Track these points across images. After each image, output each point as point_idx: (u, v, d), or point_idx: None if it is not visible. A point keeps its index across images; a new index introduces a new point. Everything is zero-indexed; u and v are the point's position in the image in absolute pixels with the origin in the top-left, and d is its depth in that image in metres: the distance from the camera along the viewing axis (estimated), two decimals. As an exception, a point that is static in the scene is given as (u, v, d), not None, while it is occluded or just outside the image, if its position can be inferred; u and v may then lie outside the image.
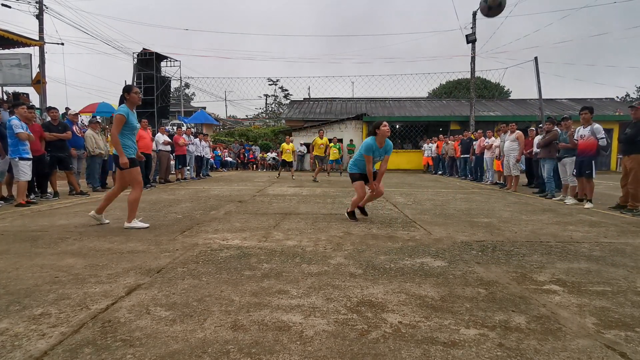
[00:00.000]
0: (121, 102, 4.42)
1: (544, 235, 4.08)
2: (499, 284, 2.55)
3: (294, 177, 13.13)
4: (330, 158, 14.57)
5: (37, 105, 13.76)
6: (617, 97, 32.68)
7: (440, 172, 15.88)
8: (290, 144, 13.00)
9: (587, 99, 23.63)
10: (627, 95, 40.80)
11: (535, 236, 4.04)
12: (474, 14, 17.01)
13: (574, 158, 6.64)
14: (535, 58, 17.25)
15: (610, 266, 2.99)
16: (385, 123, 4.77)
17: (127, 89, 4.44)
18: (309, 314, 2.04)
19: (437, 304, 2.19)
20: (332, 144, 14.59)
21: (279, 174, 13.69)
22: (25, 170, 5.93)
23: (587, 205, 6.27)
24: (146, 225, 4.37)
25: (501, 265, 2.98)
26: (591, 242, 3.78)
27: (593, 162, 6.26)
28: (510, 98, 30.44)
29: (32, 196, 6.54)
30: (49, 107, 7.54)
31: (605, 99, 24.60)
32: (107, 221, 4.61)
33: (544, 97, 18.13)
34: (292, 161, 13.22)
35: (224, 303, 2.18)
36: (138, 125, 4.77)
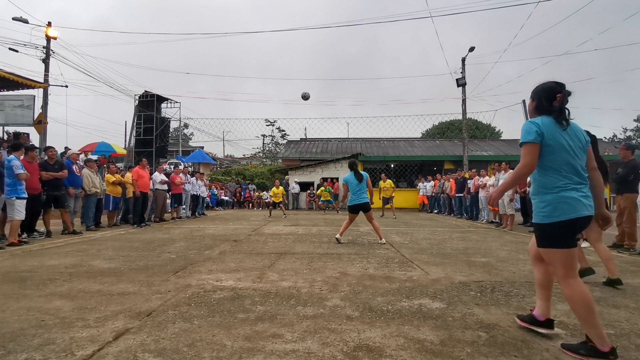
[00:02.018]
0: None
1: (542, 276, 4.02)
2: (499, 326, 2.49)
3: (285, 216, 13.60)
4: (322, 198, 16.79)
5: (37, 144, 13.91)
6: (605, 137, 33.61)
7: (436, 211, 15.89)
8: (280, 187, 14.37)
9: (577, 139, 24.23)
10: (615, 136, 41.99)
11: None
12: (463, 59, 17.87)
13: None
14: (523, 101, 17.97)
15: (612, 307, 2.93)
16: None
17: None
18: (304, 360, 1.96)
19: (437, 349, 2.12)
20: (323, 188, 16.92)
21: (270, 214, 14.37)
22: (20, 210, 5.91)
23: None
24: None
25: (501, 307, 2.92)
26: (591, 283, 3.73)
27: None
28: (501, 138, 31.20)
29: (24, 235, 6.44)
30: (49, 146, 7.63)
31: (594, 139, 25.23)
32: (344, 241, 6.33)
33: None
34: (281, 201, 14.44)
35: (216, 348, 2.09)
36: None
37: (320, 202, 17.31)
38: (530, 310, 2.44)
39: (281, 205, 14.47)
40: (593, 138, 3.41)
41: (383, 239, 6.40)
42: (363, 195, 6.49)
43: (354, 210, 6.50)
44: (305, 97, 14.26)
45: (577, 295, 2.02)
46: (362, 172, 6.56)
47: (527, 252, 5.56)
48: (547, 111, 2.14)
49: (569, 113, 2.13)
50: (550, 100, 2.12)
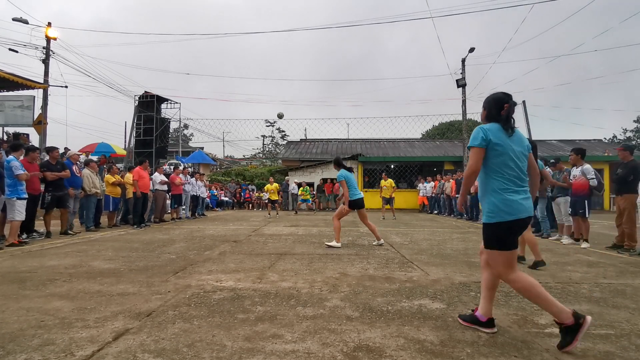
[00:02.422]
0: None
1: (542, 276, 4.02)
2: (499, 327, 2.48)
3: (278, 215, 14.10)
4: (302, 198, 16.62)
5: (37, 145, 13.90)
6: (605, 138, 33.62)
7: (436, 212, 15.89)
8: (274, 184, 14.51)
9: (576, 140, 24.29)
10: (614, 136, 41.99)
11: (534, 277, 3.97)
12: (463, 60, 17.89)
13: (568, 197, 6.71)
14: (524, 102, 17.94)
15: (612, 308, 2.93)
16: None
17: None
18: (304, 360, 1.96)
19: (437, 349, 2.12)
20: (302, 188, 16.77)
21: (269, 214, 14.61)
22: (21, 210, 5.92)
23: (584, 245, 6.24)
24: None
25: (501, 308, 2.91)
26: (590, 283, 3.73)
27: (586, 201, 6.32)
28: (501, 139, 31.15)
29: (24, 236, 6.44)
30: (52, 147, 7.65)
31: (594, 140, 25.30)
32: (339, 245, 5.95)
33: (534, 138, 18.63)
34: (276, 200, 14.74)
35: (216, 349, 2.09)
36: None
37: (299, 202, 16.84)
38: (473, 310, 2.52)
39: (276, 204, 14.74)
40: (533, 144, 3.83)
41: (381, 240, 6.34)
42: (359, 190, 6.40)
43: (357, 205, 6.27)
44: (280, 116, 15.43)
45: (527, 287, 2.18)
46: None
47: (527, 253, 5.56)
48: (495, 119, 2.32)
49: (514, 121, 2.31)
50: (498, 109, 2.30)
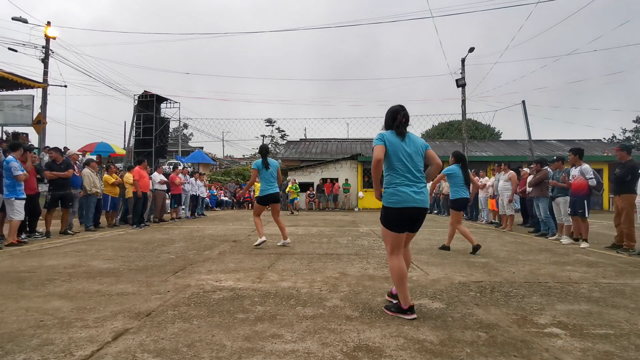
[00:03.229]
0: None
1: (542, 276, 4.03)
2: (499, 327, 2.49)
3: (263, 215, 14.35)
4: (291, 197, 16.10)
5: (36, 144, 13.88)
6: (604, 138, 33.66)
7: (435, 212, 15.89)
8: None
9: (576, 140, 24.32)
10: (614, 136, 42.02)
11: (534, 277, 3.99)
12: (463, 60, 17.89)
13: (568, 197, 6.72)
14: (523, 102, 17.92)
15: (611, 308, 2.93)
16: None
17: None
18: (303, 360, 1.96)
19: (437, 349, 2.12)
20: (290, 185, 16.13)
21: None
22: (19, 210, 5.91)
23: (583, 245, 6.25)
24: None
25: (501, 307, 2.92)
26: (590, 283, 3.73)
27: (585, 201, 6.32)
28: (501, 139, 31.22)
29: (23, 236, 6.43)
30: (55, 147, 7.67)
31: (593, 140, 25.33)
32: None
33: (533, 138, 18.63)
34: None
35: (215, 349, 2.09)
36: None
37: (288, 202, 16.33)
38: (397, 302, 2.77)
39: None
40: (461, 156, 5.47)
41: (287, 239, 5.97)
42: (274, 185, 5.86)
43: (264, 201, 5.88)
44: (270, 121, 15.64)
45: (395, 268, 2.69)
46: (271, 160, 5.91)
47: (526, 253, 5.58)
48: (390, 127, 2.79)
49: (404, 127, 2.76)
50: (392, 119, 2.76)
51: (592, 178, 6.24)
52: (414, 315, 2.62)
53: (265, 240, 5.83)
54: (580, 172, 6.35)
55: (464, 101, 18.28)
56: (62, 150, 8.01)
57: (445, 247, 5.70)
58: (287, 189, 16.14)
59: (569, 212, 6.70)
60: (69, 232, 7.44)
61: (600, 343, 2.23)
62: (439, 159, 2.92)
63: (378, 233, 6.55)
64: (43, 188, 7.57)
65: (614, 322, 2.60)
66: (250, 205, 20.16)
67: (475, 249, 5.31)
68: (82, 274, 3.91)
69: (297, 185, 16.39)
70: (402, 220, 2.68)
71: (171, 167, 16.66)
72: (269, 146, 46.93)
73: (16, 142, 6.80)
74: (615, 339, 2.29)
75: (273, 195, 5.85)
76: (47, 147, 12.92)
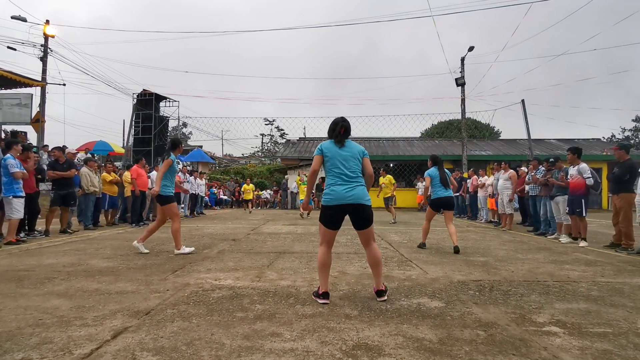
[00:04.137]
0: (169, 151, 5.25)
1: (541, 275, 4.03)
2: (498, 325, 2.49)
3: (250, 211, 15.49)
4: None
5: (35, 143, 13.86)
6: (604, 137, 33.67)
7: (435, 211, 15.89)
8: (250, 185, 15.80)
9: (575, 139, 24.34)
10: (613, 135, 42.07)
11: (532, 275, 4.00)
12: (462, 59, 17.89)
13: (566, 196, 6.73)
14: (522, 101, 17.93)
15: (610, 306, 2.94)
16: None
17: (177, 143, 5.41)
18: (302, 359, 1.96)
19: (436, 347, 2.12)
20: (298, 177, 15.16)
21: (245, 209, 16.12)
22: (18, 208, 5.89)
23: (582, 243, 6.26)
24: (192, 249, 5.25)
25: (499, 306, 2.92)
26: (588, 282, 3.74)
27: (583, 200, 6.33)
28: (500, 138, 31.23)
29: (21, 234, 6.42)
30: (58, 147, 7.68)
31: (592, 139, 25.37)
32: (146, 250, 5.17)
33: (533, 137, 18.65)
34: (250, 199, 15.97)
35: (214, 347, 2.09)
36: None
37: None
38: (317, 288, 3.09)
39: (250, 202, 15.99)
40: (437, 159, 5.94)
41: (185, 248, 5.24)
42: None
43: (165, 201, 5.32)
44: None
45: (319, 257, 3.05)
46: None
47: (525, 252, 5.59)
48: (330, 136, 3.14)
49: (343, 137, 3.10)
50: (333, 130, 3.12)
51: (589, 177, 6.25)
52: (325, 301, 2.94)
53: (188, 251, 5.14)
54: (578, 171, 6.35)
55: (463, 100, 18.29)
56: (64, 150, 7.99)
57: (421, 245, 5.90)
58: (297, 180, 14.35)
59: (567, 211, 6.71)
60: (68, 230, 7.43)
61: (598, 341, 2.24)
62: (371, 168, 3.20)
63: (377, 232, 6.57)
64: (42, 187, 7.58)
65: (613, 321, 2.60)
66: (249, 204, 20.15)
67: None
68: (81, 273, 3.90)
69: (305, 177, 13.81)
70: (333, 217, 3.01)
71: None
72: (270, 145, 46.68)
73: (13, 140, 6.78)
74: (613, 338, 2.30)
75: (166, 197, 5.30)
76: (46, 145, 12.91)
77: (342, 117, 3.16)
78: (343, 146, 3.09)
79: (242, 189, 16.39)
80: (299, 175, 15.47)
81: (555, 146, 22.72)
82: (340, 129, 3.07)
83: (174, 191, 5.41)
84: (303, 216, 12.42)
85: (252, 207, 16.64)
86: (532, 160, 8.57)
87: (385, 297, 3.02)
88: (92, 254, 5.02)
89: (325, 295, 2.98)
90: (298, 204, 15.70)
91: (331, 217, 3.01)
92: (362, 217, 3.01)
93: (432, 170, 5.79)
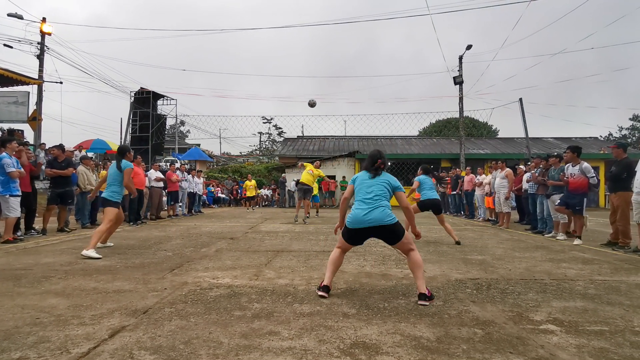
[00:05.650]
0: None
1: (538, 273, 4.05)
2: (495, 323, 2.50)
3: (253, 209, 15.46)
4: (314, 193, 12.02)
5: (32, 141, 13.79)
6: (601, 136, 33.80)
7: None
8: (252, 180, 15.59)
9: (572, 137, 24.43)
10: (610, 134, 42.22)
11: (530, 274, 4.01)
12: (460, 57, 17.90)
13: (562, 195, 6.74)
14: (520, 99, 17.97)
15: (607, 305, 2.95)
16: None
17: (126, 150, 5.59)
18: (300, 357, 1.96)
19: (433, 346, 2.13)
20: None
21: (248, 208, 15.96)
22: (15, 207, 5.86)
23: (576, 241, 6.29)
24: (99, 256, 4.66)
25: (497, 304, 2.93)
26: (585, 280, 3.76)
27: (585, 199, 6.36)
28: (498, 137, 31.30)
29: (18, 233, 6.39)
30: (58, 145, 7.64)
31: (590, 137, 25.48)
32: (111, 244, 5.44)
33: (530, 135, 18.69)
34: (253, 196, 15.86)
35: (212, 345, 2.09)
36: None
37: (314, 201, 11.95)
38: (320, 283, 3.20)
39: (253, 200, 15.88)
40: (426, 169, 6.75)
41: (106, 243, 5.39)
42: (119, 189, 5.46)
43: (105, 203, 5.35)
44: (312, 104, 14.10)
45: (331, 255, 3.27)
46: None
47: (523, 250, 5.61)
48: (366, 168, 3.32)
49: (379, 170, 3.25)
50: (372, 164, 3.26)
51: (593, 177, 6.29)
52: (322, 293, 3.06)
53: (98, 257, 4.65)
54: (581, 171, 6.36)
55: (461, 99, 18.31)
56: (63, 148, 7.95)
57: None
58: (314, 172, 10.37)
59: (557, 203, 6.73)
60: (66, 229, 7.41)
61: (595, 339, 2.25)
62: (406, 202, 3.26)
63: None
64: (39, 185, 7.56)
65: (609, 319, 2.62)
66: (247, 202, 20.15)
67: (457, 242, 6.26)
68: (78, 272, 3.89)
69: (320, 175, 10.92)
70: (353, 237, 3.19)
71: (168, 164, 16.63)
72: (267, 143, 46.51)
73: (8, 138, 6.74)
74: (610, 336, 2.31)
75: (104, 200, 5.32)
76: (43, 144, 12.85)
77: (381, 153, 3.31)
78: (375, 176, 3.24)
79: (244, 186, 16.03)
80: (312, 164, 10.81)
81: (553, 145, 22.79)
82: (378, 161, 3.23)
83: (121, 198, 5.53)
84: (297, 221, 10.26)
85: (255, 206, 16.24)
86: (534, 158, 8.60)
87: (426, 303, 2.87)
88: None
89: (325, 288, 3.08)
90: (296, 201, 14.18)
91: (351, 237, 3.20)
92: (387, 236, 3.12)
93: (422, 177, 6.63)
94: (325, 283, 3.12)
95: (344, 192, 6.59)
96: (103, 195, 5.41)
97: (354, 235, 3.17)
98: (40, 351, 1.99)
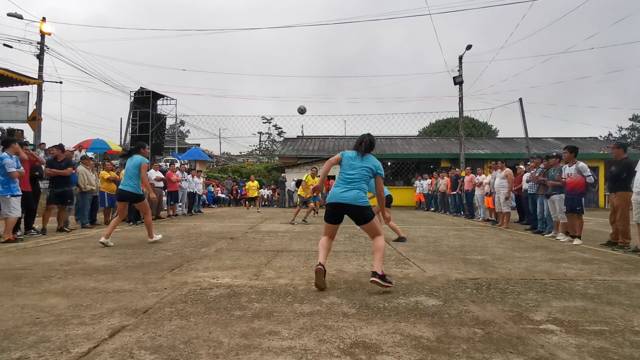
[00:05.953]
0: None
1: (538, 273, 4.05)
2: (495, 323, 2.50)
3: (258, 210, 15.25)
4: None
5: (32, 141, 13.78)
6: (600, 136, 33.80)
7: (432, 209, 15.94)
8: (255, 181, 15.30)
9: (572, 138, 24.43)
10: (610, 134, 42.22)
11: (530, 273, 4.02)
12: (460, 57, 17.90)
13: (563, 195, 6.75)
14: (520, 99, 17.95)
15: (606, 304, 2.96)
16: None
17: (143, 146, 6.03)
18: (300, 357, 1.96)
19: (433, 345, 2.13)
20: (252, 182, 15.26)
21: (248, 208, 15.86)
22: (15, 207, 5.86)
23: (576, 241, 6.30)
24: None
25: (497, 304, 2.93)
26: (585, 280, 3.76)
27: (583, 199, 6.36)
28: (498, 137, 31.30)
29: (18, 233, 6.39)
30: (58, 144, 7.65)
31: (589, 137, 25.47)
32: (111, 243, 5.49)
33: (530, 135, 18.69)
34: (256, 196, 15.50)
35: (212, 345, 2.09)
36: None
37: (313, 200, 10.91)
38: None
39: (256, 201, 15.66)
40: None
41: (106, 240, 5.47)
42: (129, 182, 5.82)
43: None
44: (302, 110, 14.66)
45: (320, 241, 3.54)
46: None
47: (523, 250, 5.61)
48: (355, 147, 3.54)
49: (366, 150, 3.49)
50: (359, 143, 3.50)
51: (589, 175, 6.29)
52: (318, 267, 3.26)
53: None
54: (577, 170, 6.37)
55: (461, 99, 18.31)
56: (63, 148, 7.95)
57: (401, 239, 6.44)
58: (305, 178, 10.68)
59: (564, 210, 6.73)
60: (66, 229, 7.41)
61: (595, 339, 2.25)
62: (380, 189, 3.55)
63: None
64: (40, 185, 7.55)
65: (609, 319, 2.62)
66: (247, 202, 20.15)
67: (401, 239, 6.42)
68: (78, 271, 3.89)
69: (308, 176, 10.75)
70: (330, 212, 3.44)
71: (168, 164, 16.62)
72: (267, 143, 46.54)
73: (11, 138, 6.74)
74: (610, 336, 2.31)
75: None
76: (43, 143, 12.85)
77: (369, 134, 3.55)
78: (362, 159, 3.45)
79: (247, 186, 15.89)
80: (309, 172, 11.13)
81: (553, 145, 22.79)
82: (363, 141, 3.46)
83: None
84: (293, 223, 9.93)
85: (258, 207, 16.11)
86: (534, 159, 8.61)
87: (376, 280, 3.17)
88: (90, 253, 5.00)
89: (320, 264, 3.30)
90: (296, 199, 15.19)
91: (329, 213, 3.45)
92: (357, 217, 3.37)
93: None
94: (320, 261, 3.32)
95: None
96: (127, 189, 5.69)
97: (332, 211, 3.43)
98: (40, 351, 1.99)
